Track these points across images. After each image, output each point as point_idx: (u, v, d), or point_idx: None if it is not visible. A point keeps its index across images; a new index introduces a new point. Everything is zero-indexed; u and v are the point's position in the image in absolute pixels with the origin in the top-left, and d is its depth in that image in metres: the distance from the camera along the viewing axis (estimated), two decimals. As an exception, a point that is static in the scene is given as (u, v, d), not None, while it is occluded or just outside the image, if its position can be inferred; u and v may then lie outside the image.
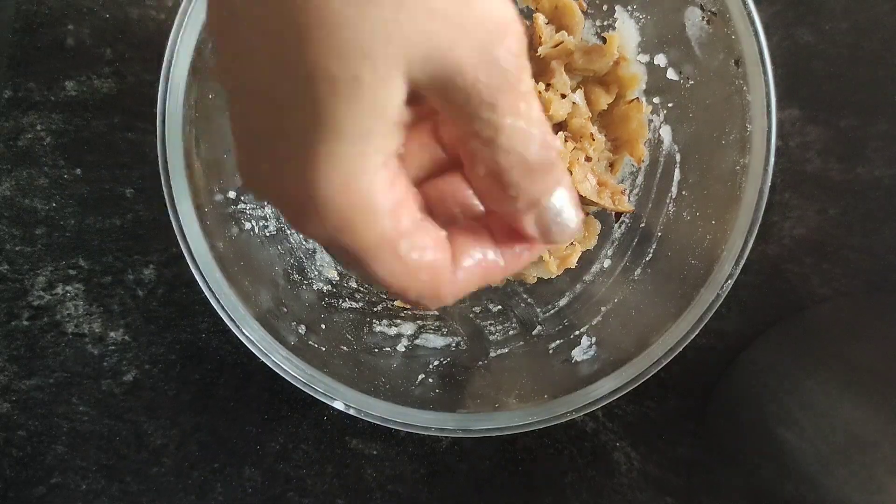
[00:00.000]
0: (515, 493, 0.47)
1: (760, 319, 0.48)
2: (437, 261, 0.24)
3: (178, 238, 0.36)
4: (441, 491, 0.46)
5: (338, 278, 0.45)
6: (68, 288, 0.46)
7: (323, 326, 0.41)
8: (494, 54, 0.21)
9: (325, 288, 0.44)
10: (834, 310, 0.47)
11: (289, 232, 0.44)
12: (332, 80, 0.20)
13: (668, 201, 0.42)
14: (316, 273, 0.44)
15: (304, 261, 0.44)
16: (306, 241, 0.45)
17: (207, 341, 0.46)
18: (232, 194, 0.41)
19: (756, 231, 0.35)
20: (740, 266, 0.36)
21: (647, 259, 0.42)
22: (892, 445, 0.39)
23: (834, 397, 0.44)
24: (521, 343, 0.43)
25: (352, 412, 0.38)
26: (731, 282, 0.35)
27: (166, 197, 0.36)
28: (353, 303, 0.44)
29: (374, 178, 0.22)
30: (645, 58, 0.43)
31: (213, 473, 0.46)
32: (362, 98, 0.20)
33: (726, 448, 0.46)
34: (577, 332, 0.42)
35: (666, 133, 0.43)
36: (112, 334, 0.46)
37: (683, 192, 0.41)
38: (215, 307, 0.37)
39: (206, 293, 0.37)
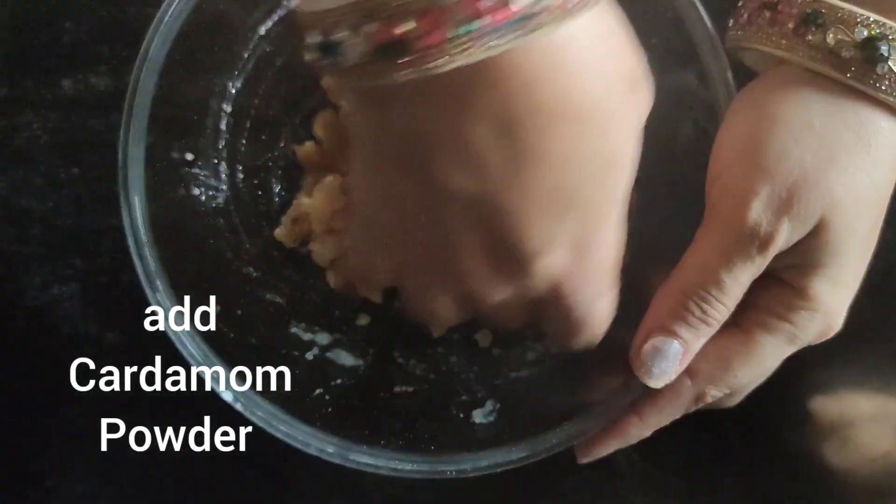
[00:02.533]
0: (515, 495, 0.46)
1: (761, 319, 0.47)
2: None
3: (119, 177, 0.36)
4: (441, 492, 0.46)
5: (268, 267, 0.44)
6: (64, 288, 0.46)
7: (239, 312, 0.40)
8: None
9: (254, 274, 0.42)
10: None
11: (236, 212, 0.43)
12: None
13: None
14: (248, 257, 0.43)
15: (244, 244, 0.43)
16: (259, 224, 0.44)
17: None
18: (189, 156, 0.40)
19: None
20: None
21: None
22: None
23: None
24: (427, 387, 0.42)
25: (238, 407, 0.37)
26: None
27: (121, 139, 0.36)
28: (276, 296, 0.43)
29: None
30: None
31: (213, 474, 0.46)
32: None
33: (727, 448, 0.46)
34: (481, 394, 0.40)
35: None
36: (109, 335, 0.46)
37: None
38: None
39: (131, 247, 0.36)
